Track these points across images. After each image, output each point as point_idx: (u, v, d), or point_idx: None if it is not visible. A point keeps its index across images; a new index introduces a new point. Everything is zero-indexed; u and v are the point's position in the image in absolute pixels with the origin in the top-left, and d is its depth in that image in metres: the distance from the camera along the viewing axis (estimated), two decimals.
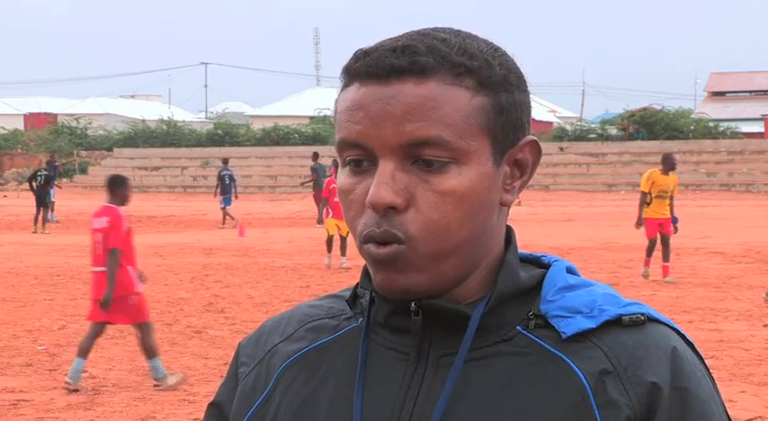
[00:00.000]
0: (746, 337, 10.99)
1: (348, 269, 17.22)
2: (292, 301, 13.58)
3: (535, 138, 1.31)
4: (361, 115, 1.23)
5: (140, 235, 25.79)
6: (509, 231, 1.35)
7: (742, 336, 11.03)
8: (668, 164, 15.74)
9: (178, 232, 26.77)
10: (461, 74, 1.24)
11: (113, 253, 8.88)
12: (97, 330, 9.07)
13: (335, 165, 18.75)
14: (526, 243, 19.33)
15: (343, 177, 1.27)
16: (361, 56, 1.26)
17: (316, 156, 31.97)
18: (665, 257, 15.50)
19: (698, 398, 1.24)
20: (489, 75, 1.25)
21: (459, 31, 1.29)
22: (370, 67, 1.24)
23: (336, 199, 17.80)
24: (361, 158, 1.25)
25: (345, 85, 1.28)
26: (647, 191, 15.56)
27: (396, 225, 1.22)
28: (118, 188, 9.36)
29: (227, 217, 28.85)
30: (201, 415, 8.44)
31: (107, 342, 11.11)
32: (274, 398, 1.35)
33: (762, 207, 35.77)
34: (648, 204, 15.59)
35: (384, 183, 1.21)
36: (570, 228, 25.83)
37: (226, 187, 29.84)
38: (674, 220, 15.64)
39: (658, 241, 15.54)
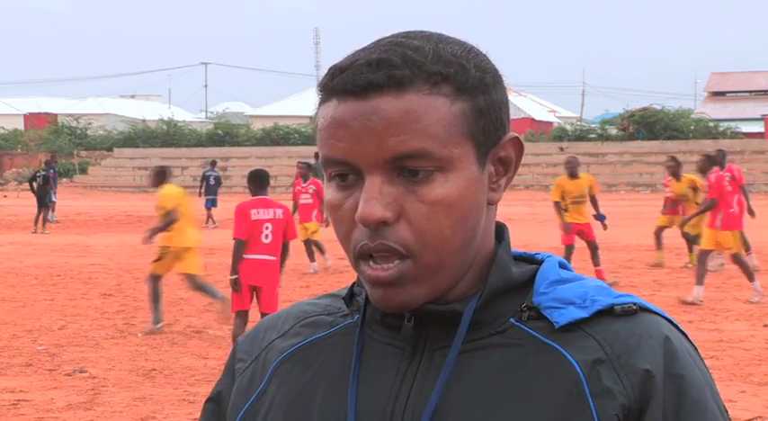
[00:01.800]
0: (746, 337, 10.98)
1: (316, 273, 16.98)
2: (292, 301, 13.53)
3: (516, 135, 1.32)
4: (342, 132, 1.23)
5: (140, 235, 25.82)
6: (502, 228, 1.36)
7: (742, 336, 11.03)
8: (569, 169, 15.28)
9: None
10: (438, 82, 1.24)
11: (287, 246, 9.92)
12: (244, 319, 9.83)
13: (303, 167, 18.53)
14: (526, 243, 19.32)
15: (330, 192, 1.28)
16: (337, 72, 1.26)
17: (317, 155, 31.94)
18: (596, 262, 15.07)
19: (693, 386, 1.25)
20: (466, 79, 1.26)
21: (430, 35, 1.29)
22: (346, 84, 1.24)
23: (302, 202, 17.76)
24: (346, 173, 1.25)
25: (323, 101, 1.28)
26: (558, 200, 15.12)
27: (390, 238, 1.23)
28: (266, 181, 10.14)
29: (210, 218, 28.61)
30: None
31: (107, 342, 11.12)
32: (269, 393, 1.36)
33: (762, 207, 35.76)
34: (567, 211, 15.06)
35: (372, 198, 1.22)
36: None
37: (210, 188, 29.77)
38: (601, 218, 15.27)
39: (586, 247, 15.15)
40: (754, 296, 13.46)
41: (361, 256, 1.25)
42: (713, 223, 13.48)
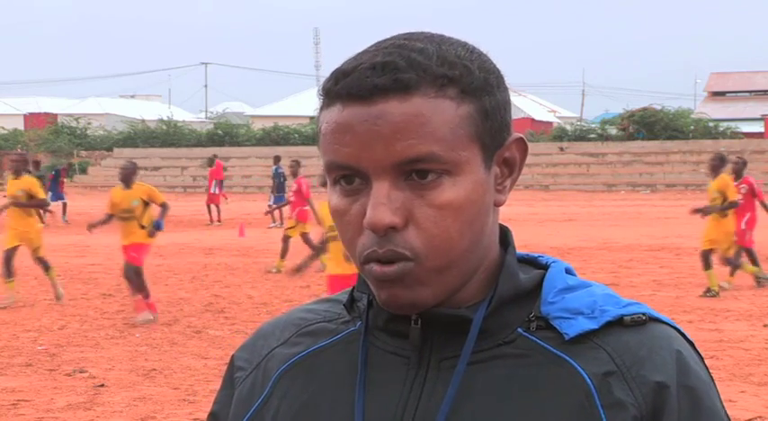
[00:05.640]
0: (746, 337, 10.98)
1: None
2: (292, 301, 13.58)
3: (521, 135, 1.30)
4: (348, 137, 1.21)
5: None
6: (506, 232, 1.34)
7: (742, 336, 11.02)
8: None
9: (178, 232, 26.74)
10: (444, 85, 1.22)
11: None
12: None
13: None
14: (526, 243, 19.32)
15: (335, 198, 1.25)
16: (341, 76, 1.23)
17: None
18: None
19: (706, 396, 1.26)
20: (471, 81, 1.24)
21: (432, 37, 1.27)
22: (351, 87, 1.22)
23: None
24: (352, 177, 1.23)
25: (326, 105, 1.25)
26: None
27: (399, 244, 1.21)
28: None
29: (276, 216, 27.87)
30: (202, 415, 8.33)
31: (107, 342, 11.11)
32: (272, 403, 1.34)
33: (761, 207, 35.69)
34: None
35: (381, 203, 1.20)
36: (570, 228, 25.80)
37: (281, 185, 29.10)
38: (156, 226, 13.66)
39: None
40: None
41: (367, 261, 1.23)
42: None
